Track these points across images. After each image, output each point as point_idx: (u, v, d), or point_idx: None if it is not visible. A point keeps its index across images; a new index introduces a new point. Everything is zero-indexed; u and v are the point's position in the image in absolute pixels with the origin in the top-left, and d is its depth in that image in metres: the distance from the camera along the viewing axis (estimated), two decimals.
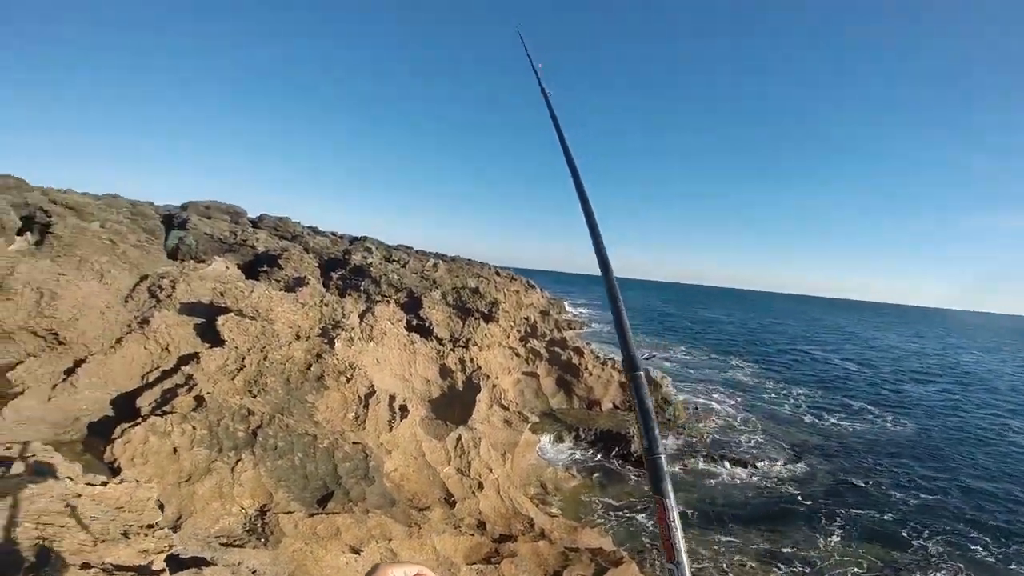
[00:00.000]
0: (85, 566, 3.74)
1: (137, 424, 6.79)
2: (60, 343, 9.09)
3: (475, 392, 12.19)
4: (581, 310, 55.45)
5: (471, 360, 13.18)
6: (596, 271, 1.66)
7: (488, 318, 17.46)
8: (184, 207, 25.71)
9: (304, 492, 6.97)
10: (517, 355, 16.82)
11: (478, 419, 11.56)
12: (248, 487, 6.46)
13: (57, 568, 3.64)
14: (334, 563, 5.86)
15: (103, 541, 4.00)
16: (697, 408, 20.46)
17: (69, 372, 8.38)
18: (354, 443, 7.74)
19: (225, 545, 5.78)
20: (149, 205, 23.77)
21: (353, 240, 30.18)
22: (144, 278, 11.85)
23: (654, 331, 48.24)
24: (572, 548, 7.89)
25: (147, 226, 19.95)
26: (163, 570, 4.12)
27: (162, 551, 4.34)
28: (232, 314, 9.95)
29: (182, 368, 8.50)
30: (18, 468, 4.59)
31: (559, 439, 15.26)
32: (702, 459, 15.27)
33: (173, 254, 20.19)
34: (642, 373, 1.69)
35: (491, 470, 9.15)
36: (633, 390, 1.64)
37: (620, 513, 11.78)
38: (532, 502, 9.88)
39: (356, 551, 6.18)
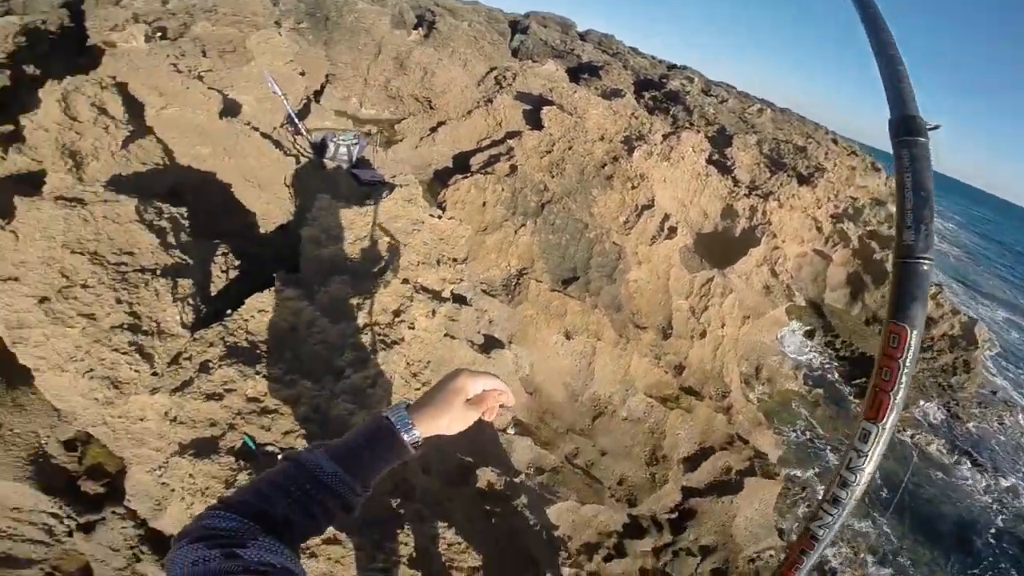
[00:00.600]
0: (404, 281, 4.88)
1: (466, 177, 8.31)
2: (431, 108, 11.72)
3: (750, 245, 11.03)
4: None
5: (762, 212, 11.72)
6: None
7: (804, 180, 14.76)
8: (526, 15, 27.93)
9: (557, 269, 7.80)
10: (819, 229, 14.16)
11: (738, 271, 10.63)
12: (520, 249, 7.53)
13: (389, 275, 4.75)
14: (547, 338, 6.54)
15: (423, 264, 5.20)
16: (999, 396, 14.56)
17: (432, 131, 10.74)
18: (614, 243, 8.13)
19: (484, 292, 6.82)
20: (500, 11, 26.97)
21: (672, 67, 27.90)
22: (493, 68, 13.66)
23: None
24: (742, 438, 7.25)
25: (499, 29, 22.51)
26: (448, 298, 5.19)
27: (454, 283, 5.48)
28: (555, 107, 10.81)
29: (508, 141, 9.92)
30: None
31: (809, 335, 13.12)
32: (942, 447, 11.28)
33: (515, 53, 22.54)
34: (927, 142, 1.18)
35: (723, 325, 8.61)
36: (907, 160, 1.17)
37: (813, 442, 10.11)
38: (740, 378, 9.12)
39: (568, 336, 6.74)
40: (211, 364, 3.62)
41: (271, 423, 3.58)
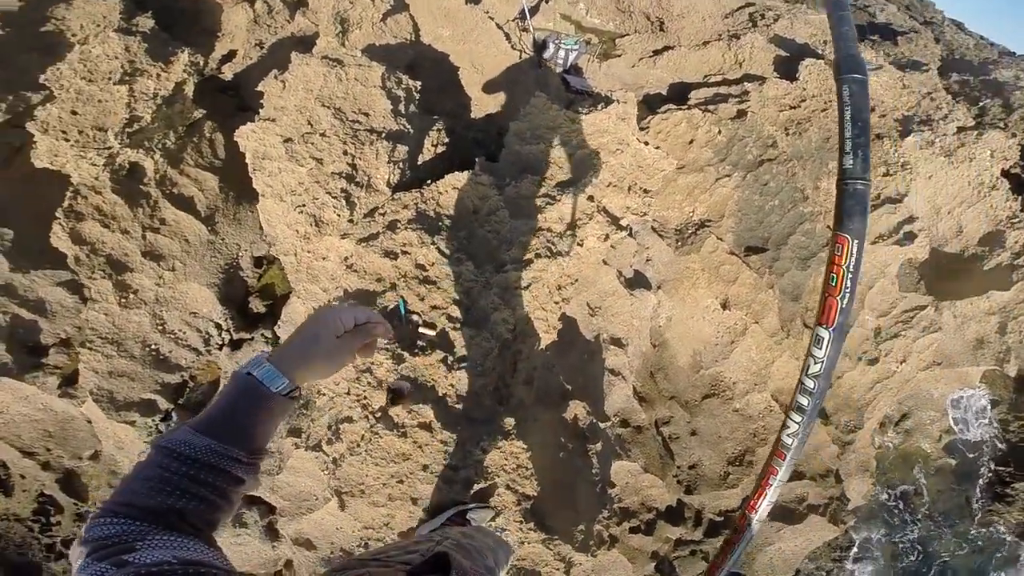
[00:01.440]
0: (590, 198, 4.50)
1: (680, 109, 7.42)
2: (661, 30, 10.51)
3: (996, 286, 8.26)
4: None
5: None
6: None
7: None
8: None
9: (746, 233, 6.70)
10: None
11: (960, 311, 8.15)
12: (713, 199, 6.59)
13: (577, 188, 4.52)
14: (700, 299, 5.62)
15: (613, 186, 4.77)
16: None
17: (656, 53, 9.66)
18: (828, 227, 6.72)
19: (653, 230, 6.10)
20: None
21: (1007, 54, 20.92)
22: (750, 3, 11.69)
23: None
24: (838, 476, 5.99)
25: None
26: (625, 227, 4.73)
27: (637, 214, 4.98)
28: (821, 61, 8.91)
29: (744, 84, 8.50)
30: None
31: (989, 405, 9.65)
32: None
33: None
34: (866, 80, 1.30)
35: (902, 361, 6.82)
36: (847, 96, 1.28)
37: (904, 511, 7.56)
38: (880, 419, 7.35)
39: (725, 306, 5.78)
40: (398, 224, 3.87)
41: (426, 294, 3.76)
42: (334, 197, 3.87)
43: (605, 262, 5.15)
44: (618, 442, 4.68)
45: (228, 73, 7.07)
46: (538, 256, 4.09)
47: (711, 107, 8.15)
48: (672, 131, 7.55)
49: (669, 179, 7.12)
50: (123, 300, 4.30)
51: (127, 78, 5.00)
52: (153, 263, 4.42)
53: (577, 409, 4.16)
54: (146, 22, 5.67)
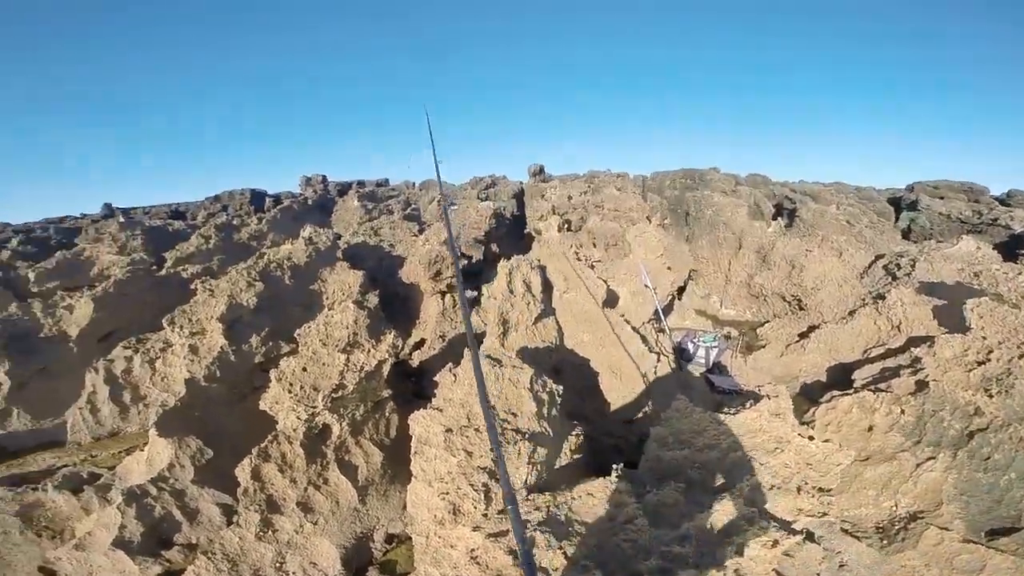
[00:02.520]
0: (749, 504, 4.08)
1: (847, 394, 6.73)
2: (800, 308, 10.27)
3: None
4: None
5: None
6: None
7: None
8: (910, 188, 22.82)
9: (980, 516, 5.09)
10: None
11: None
12: (920, 488, 5.28)
13: (731, 494, 4.12)
14: None
15: (777, 488, 4.26)
16: None
17: (802, 336, 9.25)
18: None
19: (845, 531, 5.04)
20: (872, 189, 22.85)
21: None
22: (880, 256, 11.28)
23: None
24: None
25: (876, 208, 18.97)
26: (800, 531, 4.01)
27: (813, 516, 4.22)
28: (987, 298, 7.86)
29: (911, 349, 7.58)
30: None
31: None
32: None
33: (905, 235, 18.42)
34: None
35: None
36: None
37: None
38: None
39: None
40: (529, 524, 3.72)
41: None
42: (475, 489, 3.98)
43: (778, 573, 4.18)
44: None
45: (416, 360, 8.47)
46: (683, 567, 3.45)
47: (883, 385, 7.16)
48: (843, 420, 6.67)
49: (853, 473, 6.01)
50: (261, 534, 4.64)
51: (348, 348, 6.31)
52: (302, 513, 4.82)
53: None
54: (373, 299, 7.35)
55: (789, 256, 11.33)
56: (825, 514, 4.43)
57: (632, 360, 6.51)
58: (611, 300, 7.90)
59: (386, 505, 5.07)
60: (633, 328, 7.07)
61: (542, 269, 7.83)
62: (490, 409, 4.39)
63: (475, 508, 3.93)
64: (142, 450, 6.96)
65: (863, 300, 10.31)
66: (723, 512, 3.93)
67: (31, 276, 13.66)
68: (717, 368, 7.68)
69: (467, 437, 4.37)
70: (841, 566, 4.88)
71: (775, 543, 3.89)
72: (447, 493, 4.03)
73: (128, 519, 5.26)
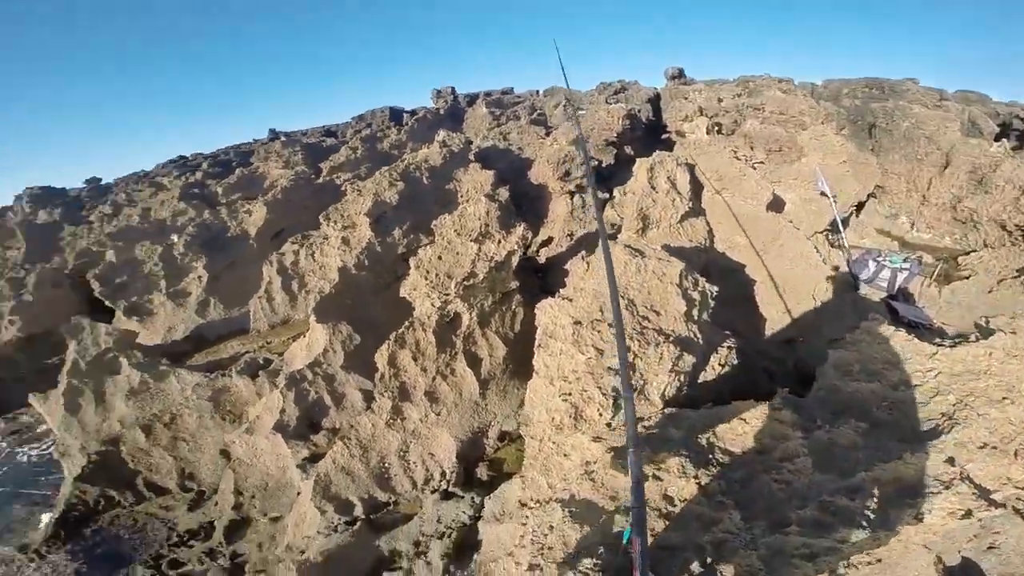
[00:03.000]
0: (954, 464, 3.04)
1: None
2: None
3: None
4: None
5: None
6: None
7: None
8: None
9: None
10: None
11: None
12: None
13: (935, 447, 3.11)
14: None
15: (990, 448, 3.14)
16: None
17: (1021, 271, 7.02)
18: None
19: (1017, 512, 3.74)
20: None
21: None
22: None
23: None
24: None
25: None
26: (1004, 504, 2.97)
27: (1022, 488, 3.08)
28: None
29: None
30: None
31: None
32: None
33: None
34: None
35: None
36: None
37: None
38: None
39: None
40: (662, 445, 3.14)
41: (662, 532, 2.78)
42: (603, 393, 3.48)
43: (925, 545, 3.25)
44: None
45: (543, 256, 8.01)
46: (848, 525, 2.69)
47: None
48: None
49: None
50: (391, 421, 4.80)
51: (480, 238, 6.07)
52: (428, 403, 4.86)
53: None
54: (503, 193, 7.00)
55: (1019, 181, 8.48)
56: None
57: (799, 272, 5.29)
58: (776, 205, 6.47)
59: (503, 402, 4.94)
60: (804, 236, 5.74)
61: (690, 167, 6.61)
62: (618, 300, 3.72)
63: (600, 415, 3.45)
64: (305, 336, 7.76)
65: None
66: (914, 466, 2.96)
67: (219, 190, 15.92)
68: (902, 295, 6.03)
69: (599, 332, 3.83)
70: (991, 547, 3.60)
71: (968, 513, 2.86)
72: (570, 394, 3.58)
73: (288, 403, 5.83)
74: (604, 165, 11.48)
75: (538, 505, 3.13)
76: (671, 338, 3.69)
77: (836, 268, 5.82)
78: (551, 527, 2.86)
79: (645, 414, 3.40)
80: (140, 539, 5.90)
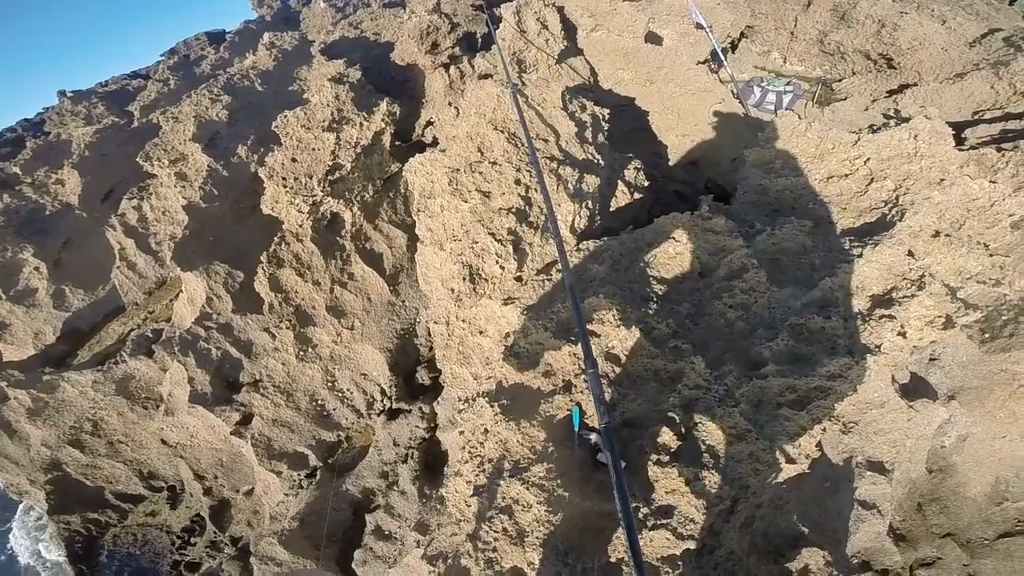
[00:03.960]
0: (909, 253, 2.55)
1: (961, 149, 4.81)
2: (890, 67, 7.89)
3: None
4: None
5: None
6: None
7: None
8: None
9: None
10: None
11: None
12: None
13: (882, 240, 2.56)
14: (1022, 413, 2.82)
15: (943, 237, 2.67)
16: None
17: (892, 92, 7.07)
18: None
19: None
20: None
21: None
22: (996, 30, 8.54)
23: None
24: None
25: None
26: (976, 306, 2.61)
27: (984, 282, 2.75)
28: None
29: None
30: None
31: None
32: None
33: None
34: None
35: None
36: None
37: None
38: None
39: None
40: (585, 289, 2.26)
41: (623, 402, 2.01)
42: (498, 240, 2.45)
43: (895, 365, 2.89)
44: None
45: (429, 136, 6.59)
46: (830, 353, 2.06)
47: (1007, 145, 5.24)
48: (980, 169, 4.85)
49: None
50: (301, 352, 3.64)
51: (335, 126, 4.60)
52: (335, 319, 3.67)
53: (812, 557, 2.12)
54: (354, 74, 5.45)
55: (878, 16, 8.38)
56: (998, 282, 2.81)
57: (690, 98, 4.55)
58: (653, 40, 5.59)
59: (421, 293, 3.87)
60: (687, 63, 4.96)
61: (559, 9, 5.45)
62: (532, 143, 2.66)
63: (503, 268, 2.46)
64: (184, 291, 6.20)
65: (976, 65, 7.58)
66: (876, 264, 2.33)
67: (16, 169, 11.85)
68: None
69: (480, 174, 2.74)
70: (932, 359, 3.41)
71: (947, 321, 2.40)
72: (462, 253, 2.55)
73: (192, 370, 4.45)
74: (479, 36, 9.92)
75: (467, 406, 2.27)
76: (567, 161, 2.71)
77: (723, 95, 5.17)
78: (485, 431, 2.02)
79: (556, 255, 2.48)
80: (150, 551, 5.04)
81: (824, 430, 2.09)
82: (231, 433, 3.92)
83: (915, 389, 2.80)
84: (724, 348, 2.05)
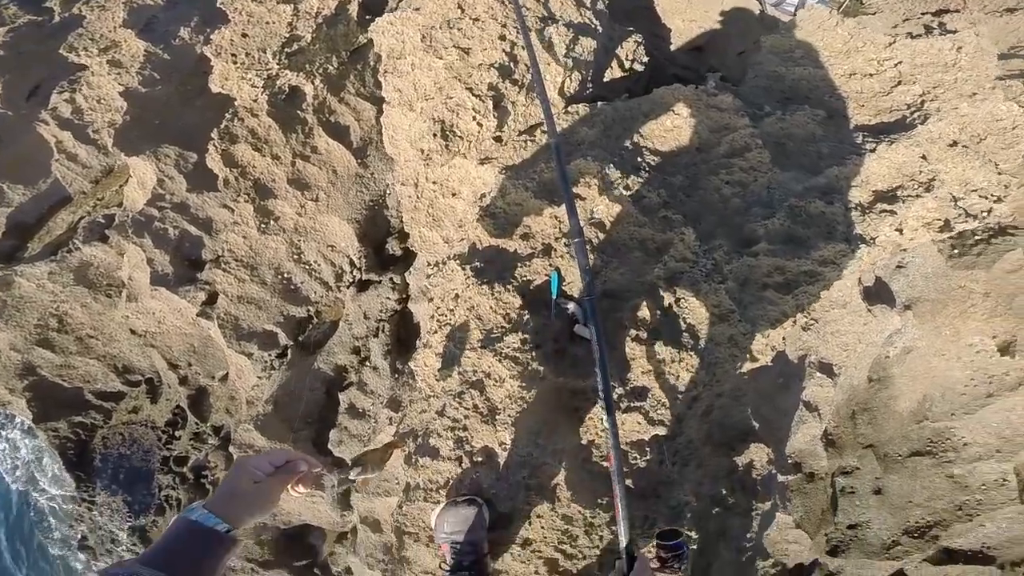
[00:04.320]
0: (923, 157, 2.34)
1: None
2: None
3: None
4: None
5: None
6: None
7: None
8: None
9: None
10: None
11: None
12: None
13: (899, 140, 2.33)
14: (965, 334, 2.92)
15: (961, 148, 2.46)
16: None
17: (930, 14, 6.46)
18: None
19: None
20: None
21: None
22: None
23: None
24: None
25: None
26: (975, 216, 2.50)
27: (986, 197, 2.61)
28: None
29: None
30: None
31: None
32: None
33: None
34: None
35: None
36: None
37: None
38: None
39: (1005, 351, 3.06)
40: (572, 151, 2.02)
41: (605, 270, 1.87)
42: (476, 95, 2.12)
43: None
44: (781, 492, 2.66)
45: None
46: (826, 238, 1.91)
47: None
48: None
49: None
50: (263, 225, 3.36)
51: None
52: (298, 192, 3.36)
53: (757, 454, 2.20)
54: None
55: None
56: (999, 199, 2.61)
57: None
58: None
59: (392, 164, 3.57)
60: None
61: None
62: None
63: (480, 125, 2.15)
64: (133, 175, 5.61)
65: None
66: (888, 162, 2.12)
67: None
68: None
69: (459, 30, 2.33)
70: (899, 266, 3.26)
71: (945, 224, 2.25)
72: (434, 110, 2.23)
73: (151, 251, 4.05)
74: None
75: (437, 270, 2.11)
76: (561, 22, 2.33)
77: None
78: (456, 297, 1.86)
79: (542, 117, 2.19)
80: (140, 450, 4.97)
81: (795, 322, 1.98)
82: (198, 315, 3.74)
83: (876, 294, 2.71)
84: (716, 223, 1.86)
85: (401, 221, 2.94)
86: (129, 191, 4.50)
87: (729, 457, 2.15)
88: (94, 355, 5.03)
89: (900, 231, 1.99)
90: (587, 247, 1.78)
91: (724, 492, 2.12)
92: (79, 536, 4.14)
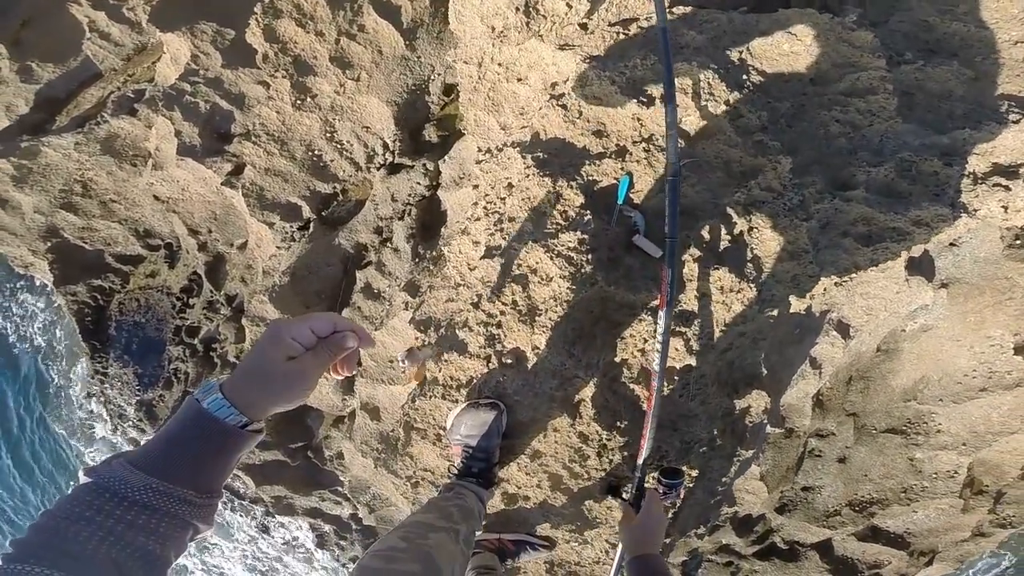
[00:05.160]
0: None
1: None
2: None
3: None
4: None
5: None
6: None
7: None
8: None
9: None
10: None
11: None
12: None
13: None
14: (989, 323, 2.67)
15: None
16: None
17: None
18: None
19: None
20: None
21: None
22: None
23: None
24: None
25: None
26: None
27: None
28: None
29: None
30: None
31: None
32: None
33: None
34: None
35: None
36: None
37: None
38: None
39: (1018, 351, 2.86)
40: (673, 53, 1.73)
41: (684, 183, 1.65)
42: None
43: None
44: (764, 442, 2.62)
45: None
46: (930, 199, 1.66)
47: None
48: None
49: None
50: (299, 101, 3.11)
51: None
52: (339, 70, 3.08)
53: (756, 401, 2.06)
54: None
55: None
56: None
57: None
58: None
59: (441, 49, 3.20)
60: None
61: None
62: None
63: (569, 7, 1.83)
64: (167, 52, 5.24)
65: None
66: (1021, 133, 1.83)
67: None
68: None
69: None
70: (952, 244, 2.96)
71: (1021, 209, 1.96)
72: None
73: (180, 124, 3.79)
74: None
75: (490, 156, 1.86)
76: None
77: None
78: (509, 186, 1.64)
79: (640, 12, 1.87)
80: (154, 317, 4.87)
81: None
82: (222, 184, 3.56)
83: (918, 265, 2.47)
84: (813, 159, 1.59)
85: (442, 108, 2.67)
86: (162, 67, 4.18)
87: (731, 399, 2.01)
88: (116, 218, 4.86)
89: (1005, 208, 1.73)
90: (656, 164, 1.54)
91: (716, 433, 1.99)
92: (88, 411, 4.08)
